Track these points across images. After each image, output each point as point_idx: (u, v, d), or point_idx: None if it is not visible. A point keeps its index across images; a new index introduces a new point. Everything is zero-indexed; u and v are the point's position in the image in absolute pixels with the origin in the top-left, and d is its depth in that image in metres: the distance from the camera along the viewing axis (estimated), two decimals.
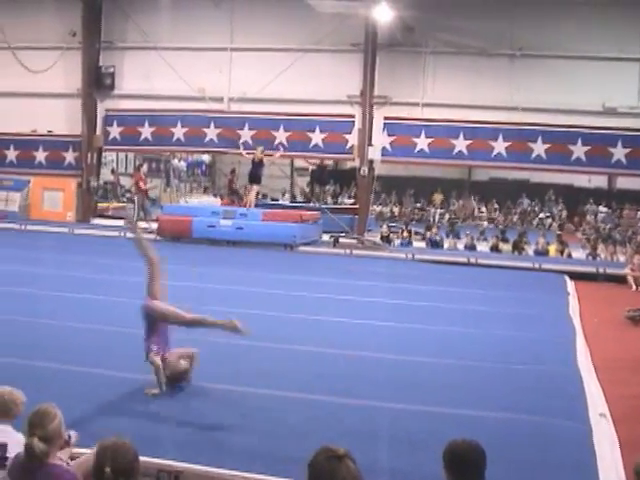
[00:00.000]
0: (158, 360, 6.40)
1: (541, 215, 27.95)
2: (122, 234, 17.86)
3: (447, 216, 26.41)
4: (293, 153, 21.81)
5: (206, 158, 28.42)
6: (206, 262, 15.56)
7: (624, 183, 26.78)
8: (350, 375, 7.36)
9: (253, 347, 7.76)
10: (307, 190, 28.18)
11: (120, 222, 19.25)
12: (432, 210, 23.61)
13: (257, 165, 19.21)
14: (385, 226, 21.23)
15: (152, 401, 6.21)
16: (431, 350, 8.61)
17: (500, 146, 19.23)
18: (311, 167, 27.75)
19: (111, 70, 21.89)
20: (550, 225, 27.01)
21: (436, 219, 23.20)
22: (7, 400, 4.18)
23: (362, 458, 3.18)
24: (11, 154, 22.91)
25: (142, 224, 17.86)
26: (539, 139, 18.91)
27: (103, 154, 23.43)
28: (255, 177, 19.39)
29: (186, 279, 11.80)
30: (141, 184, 20.64)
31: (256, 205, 19.77)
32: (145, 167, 21.99)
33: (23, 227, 20.34)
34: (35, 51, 22.02)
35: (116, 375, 6.79)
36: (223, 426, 5.79)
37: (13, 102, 22.36)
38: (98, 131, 22.09)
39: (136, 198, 20.85)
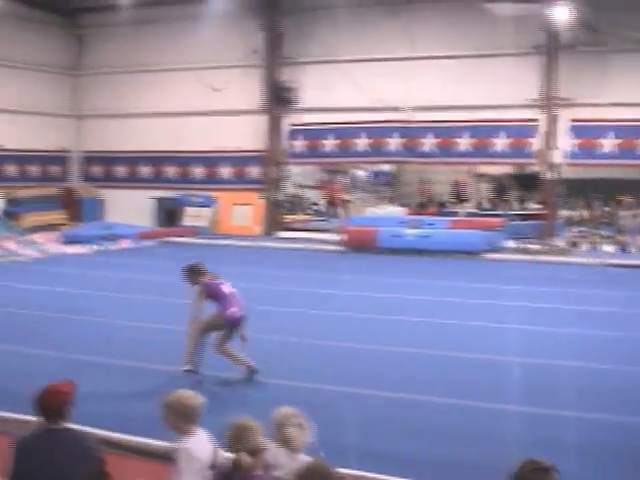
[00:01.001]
0: None
1: None
2: (310, 246, 21.58)
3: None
4: (477, 159, 24.71)
5: (388, 168, 31.55)
6: (392, 272, 18.19)
7: None
8: (541, 385, 8.76)
9: (455, 358, 9.87)
10: (492, 196, 30.71)
11: (306, 234, 23.02)
12: (621, 213, 25.17)
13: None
14: (572, 231, 23.47)
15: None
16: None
17: None
18: (497, 173, 30.18)
19: (293, 85, 25.73)
20: None
21: (625, 222, 24.80)
22: (197, 405, 4.80)
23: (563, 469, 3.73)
24: (199, 171, 27.49)
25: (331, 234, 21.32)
26: None
27: (287, 167, 27.17)
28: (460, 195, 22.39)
29: (375, 289, 14.80)
30: (338, 195, 24.10)
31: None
32: (341, 178, 25.46)
33: (214, 242, 24.11)
34: (218, 70, 26.38)
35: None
36: (387, 432, 7.20)
37: (199, 121, 26.93)
38: (282, 145, 26.05)
39: (332, 209, 24.27)
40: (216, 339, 8.88)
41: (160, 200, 27.47)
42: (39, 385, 4.80)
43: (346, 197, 24.28)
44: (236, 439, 4.35)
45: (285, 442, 4.63)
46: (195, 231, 25.70)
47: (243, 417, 4.49)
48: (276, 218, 26.28)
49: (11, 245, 22.10)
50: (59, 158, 29.09)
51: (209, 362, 8.85)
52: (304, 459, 4.45)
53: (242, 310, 8.94)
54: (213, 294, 8.87)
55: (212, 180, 27.21)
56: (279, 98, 25.74)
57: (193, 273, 8.96)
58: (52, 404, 4.69)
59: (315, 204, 28.96)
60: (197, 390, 4.94)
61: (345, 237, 22.27)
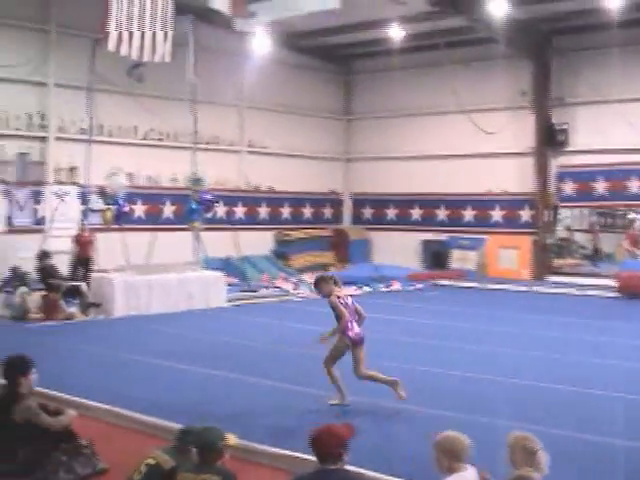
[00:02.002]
0: None
1: None
2: (581, 292, 24.68)
3: None
4: None
5: None
6: None
7: None
8: None
9: None
10: None
11: (576, 279, 26.14)
12: None
13: None
14: None
15: None
16: None
17: None
18: None
19: (563, 127, 28.91)
20: None
21: None
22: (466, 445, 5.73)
23: None
24: (468, 214, 31.50)
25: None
26: None
27: (558, 210, 30.12)
28: None
29: None
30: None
31: None
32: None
33: (482, 285, 27.44)
34: (487, 112, 30.12)
35: None
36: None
37: (467, 163, 30.94)
38: (552, 188, 29.33)
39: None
40: (353, 364, 10.57)
41: (427, 242, 31.67)
42: (313, 424, 5.91)
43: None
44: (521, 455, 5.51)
45: (537, 467, 5.54)
46: (463, 274, 29.40)
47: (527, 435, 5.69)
48: (545, 262, 29.28)
49: (283, 285, 26.51)
50: (330, 200, 34.26)
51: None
52: None
53: (362, 330, 10.63)
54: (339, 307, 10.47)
55: (480, 223, 31.00)
56: (549, 140, 28.94)
57: (325, 282, 10.70)
58: (327, 446, 5.41)
59: (583, 247, 31.64)
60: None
61: (620, 282, 24.49)
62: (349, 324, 10.56)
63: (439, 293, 26.17)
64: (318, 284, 10.87)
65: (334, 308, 10.58)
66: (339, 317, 10.55)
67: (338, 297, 10.68)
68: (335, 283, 10.81)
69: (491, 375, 12.91)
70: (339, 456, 5.47)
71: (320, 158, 33.64)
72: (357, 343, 10.62)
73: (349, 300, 10.88)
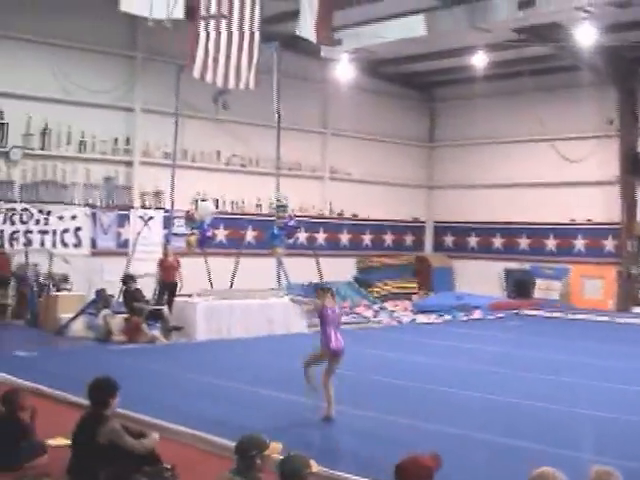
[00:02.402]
0: None
1: None
2: None
3: None
4: None
5: None
6: None
7: None
8: None
9: None
10: None
11: None
12: None
13: None
14: None
15: None
16: None
17: None
18: None
19: None
20: None
21: None
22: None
23: None
24: (551, 243, 31.07)
25: None
26: None
27: None
28: None
29: None
30: None
31: None
32: None
33: (566, 315, 27.05)
34: (571, 141, 29.85)
35: None
36: None
37: (550, 191, 30.57)
38: (638, 218, 28.82)
39: None
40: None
41: (510, 271, 31.37)
42: (400, 453, 5.74)
43: None
44: None
45: None
46: (546, 304, 29.00)
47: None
48: (630, 293, 28.76)
49: (365, 312, 26.55)
50: (412, 228, 34.19)
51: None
52: None
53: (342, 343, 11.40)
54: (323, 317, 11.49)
55: (562, 252, 30.55)
56: (635, 168, 28.44)
57: (323, 292, 11.85)
58: (413, 477, 5.35)
59: None
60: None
61: None
62: (332, 336, 11.36)
63: (521, 322, 25.89)
64: (317, 294, 12.15)
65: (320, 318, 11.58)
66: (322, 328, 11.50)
67: (325, 306, 11.55)
68: (332, 295, 11.96)
69: (573, 407, 12.68)
70: None
71: (402, 185, 33.65)
72: (337, 355, 11.44)
73: (336, 309, 11.86)
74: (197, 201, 23.24)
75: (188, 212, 22.77)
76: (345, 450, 10.04)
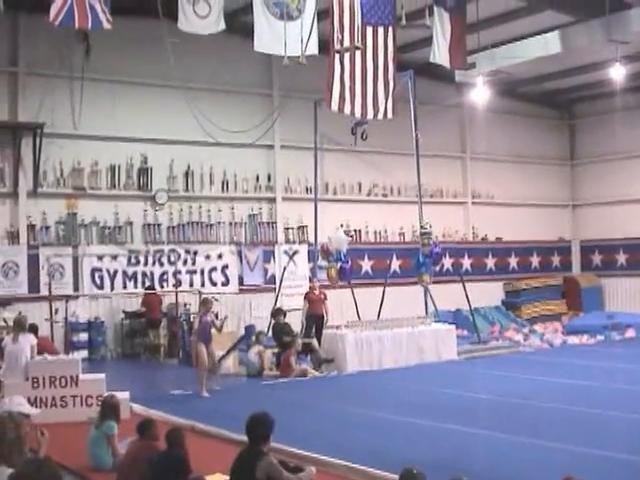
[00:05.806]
0: None
1: None
2: None
3: None
4: None
5: None
6: None
7: None
8: None
9: None
10: None
11: None
12: None
13: None
14: None
15: None
16: None
17: None
18: None
19: None
20: None
21: None
22: None
23: None
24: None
25: None
26: None
27: None
28: None
29: None
30: None
31: None
32: None
33: None
34: None
35: None
36: None
37: None
38: None
39: None
40: None
41: None
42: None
43: None
44: None
45: None
46: None
47: None
48: None
49: (514, 336, 25.82)
50: (558, 248, 33.30)
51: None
52: None
53: None
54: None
55: None
56: None
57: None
58: None
59: None
60: None
61: None
62: None
63: None
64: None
65: None
66: None
67: None
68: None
69: None
70: None
71: (546, 205, 32.97)
72: None
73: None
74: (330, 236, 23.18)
75: (323, 246, 22.77)
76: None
